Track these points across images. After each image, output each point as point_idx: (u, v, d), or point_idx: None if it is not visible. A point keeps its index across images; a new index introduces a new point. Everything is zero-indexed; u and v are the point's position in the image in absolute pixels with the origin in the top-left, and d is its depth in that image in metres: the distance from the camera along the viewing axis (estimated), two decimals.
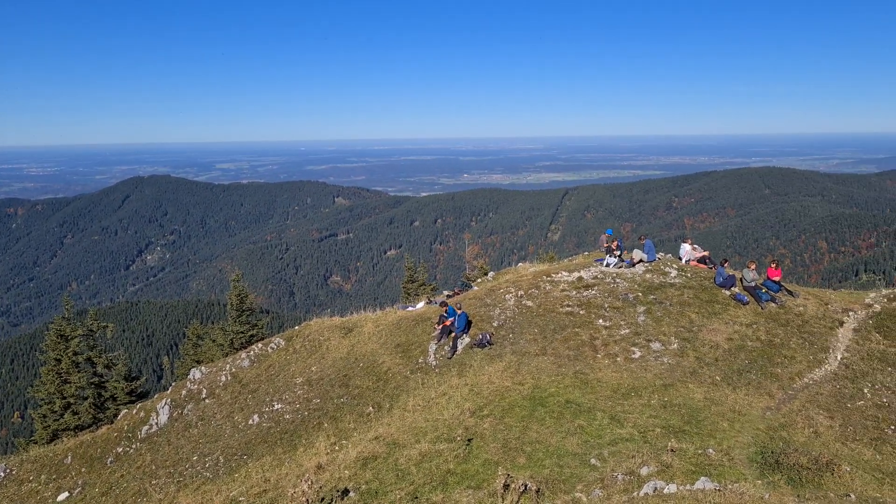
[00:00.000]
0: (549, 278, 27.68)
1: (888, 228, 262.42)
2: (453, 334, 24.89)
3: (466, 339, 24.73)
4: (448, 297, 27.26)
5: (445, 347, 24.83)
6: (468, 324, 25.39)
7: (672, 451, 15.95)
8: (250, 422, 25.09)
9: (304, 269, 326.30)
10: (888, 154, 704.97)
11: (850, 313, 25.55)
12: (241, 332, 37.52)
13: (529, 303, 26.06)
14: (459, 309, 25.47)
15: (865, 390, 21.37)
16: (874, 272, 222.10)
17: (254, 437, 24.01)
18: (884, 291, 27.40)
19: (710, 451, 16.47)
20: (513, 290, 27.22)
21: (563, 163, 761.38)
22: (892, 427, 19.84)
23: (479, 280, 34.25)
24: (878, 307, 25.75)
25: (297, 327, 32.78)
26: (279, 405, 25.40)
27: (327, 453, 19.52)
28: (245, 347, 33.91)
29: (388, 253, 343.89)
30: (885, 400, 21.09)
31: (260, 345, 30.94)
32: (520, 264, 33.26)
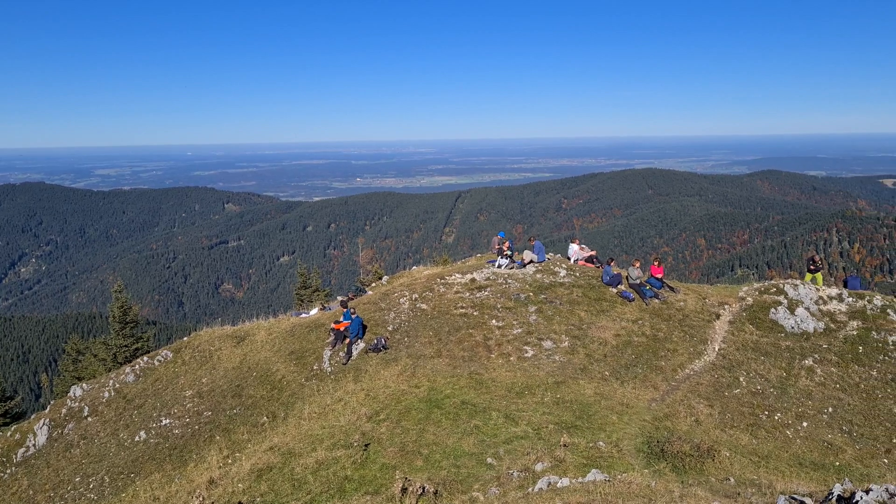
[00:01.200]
0: (442, 281, 27.90)
1: (759, 225, 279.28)
2: (348, 340, 24.69)
3: (361, 344, 24.57)
4: (342, 302, 26.99)
5: (340, 353, 24.60)
6: (363, 328, 25.24)
7: (565, 446, 16.37)
8: (137, 438, 24.05)
9: (194, 277, 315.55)
10: (758, 156, 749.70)
11: (726, 307, 26.99)
12: (125, 346, 35.98)
13: (424, 306, 26.17)
14: (354, 313, 25.30)
15: (741, 379, 22.63)
16: (748, 267, 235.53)
17: (141, 455, 23.03)
18: (755, 285, 29.10)
19: (601, 443, 17.01)
20: (407, 294, 27.27)
21: (456, 166, 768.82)
22: (766, 413, 21.10)
23: (373, 284, 34.12)
24: (750, 300, 27.32)
25: (186, 338, 31.67)
26: (167, 420, 24.47)
27: (220, 467, 18.95)
28: (130, 361, 32.50)
29: (281, 259, 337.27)
30: (758, 387, 22.39)
31: (146, 358, 29.71)
32: (414, 268, 33.37)
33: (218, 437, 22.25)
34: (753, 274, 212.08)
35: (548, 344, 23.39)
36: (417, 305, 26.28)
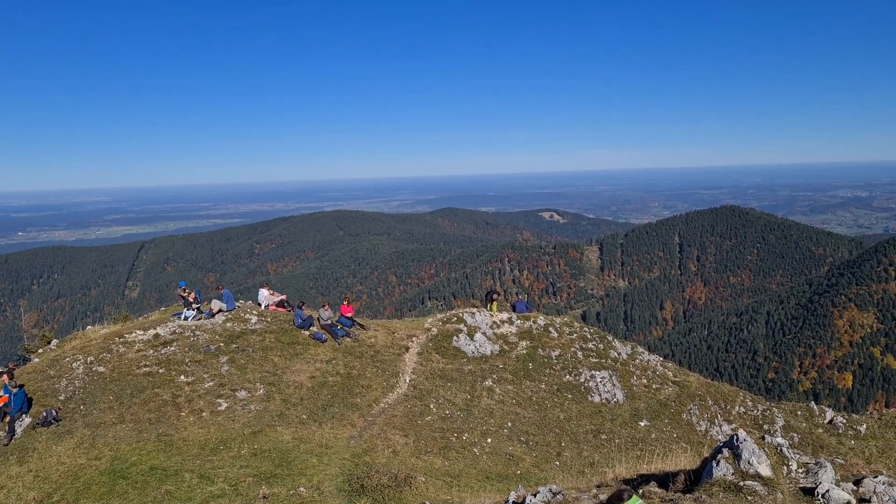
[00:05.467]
0: (122, 339, 25.76)
1: (443, 259, 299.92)
2: (9, 417, 21.64)
3: (27, 420, 21.69)
4: (0, 374, 23.62)
5: (1, 433, 21.47)
6: (28, 402, 22.30)
7: (265, 497, 15.96)
8: None
9: None
10: (438, 195, 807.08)
11: (414, 339, 28.46)
12: None
13: (102, 368, 23.91)
14: (15, 388, 22.27)
15: (432, 406, 23.92)
16: (436, 299, 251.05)
17: None
18: (438, 315, 31.12)
19: (302, 489, 16.84)
20: (81, 357, 24.71)
21: (136, 215, 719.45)
22: (456, 435, 22.50)
23: (40, 351, 30.39)
24: (435, 330, 29.12)
25: None
26: None
27: None
28: None
29: None
30: (447, 412, 23.84)
31: None
32: (89, 328, 30.32)
33: None
34: (442, 305, 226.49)
35: (242, 394, 22.68)
36: (94, 369, 23.93)
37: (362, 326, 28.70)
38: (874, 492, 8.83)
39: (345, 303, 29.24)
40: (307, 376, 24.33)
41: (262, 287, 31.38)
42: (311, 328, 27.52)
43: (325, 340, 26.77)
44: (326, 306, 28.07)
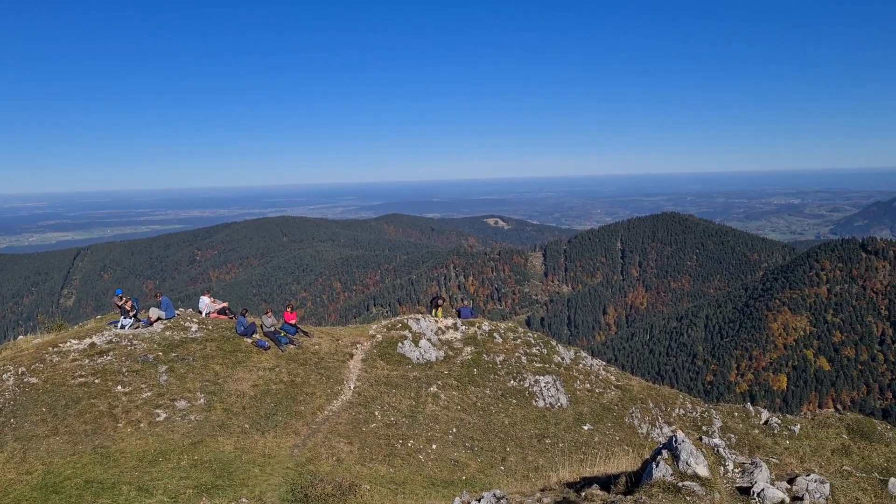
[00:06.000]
0: (56, 349, 24.93)
1: (388, 266, 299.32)
2: None
3: None
4: None
5: None
6: None
7: None
8: None
9: None
10: (383, 201, 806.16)
11: (359, 345, 28.27)
12: None
13: (34, 379, 23.10)
14: None
15: (377, 413, 23.78)
16: (381, 305, 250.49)
17: None
18: (383, 322, 30.99)
19: (244, 500, 16.55)
20: (12, 368, 23.83)
21: (72, 221, 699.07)
22: (401, 441, 22.41)
23: None
24: (380, 337, 28.99)
25: None
26: None
27: None
28: None
29: None
30: (393, 419, 23.73)
31: None
32: (21, 337, 29.24)
33: None
34: (387, 311, 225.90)
35: (182, 404, 22.17)
36: (25, 380, 23.11)
37: (306, 333, 28.39)
38: (807, 490, 9.09)
39: (288, 309, 28.89)
40: (249, 385, 23.92)
41: (204, 294, 30.79)
42: (253, 336, 27.11)
43: (269, 348, 26.39)
44: (269, 313, 27.69)
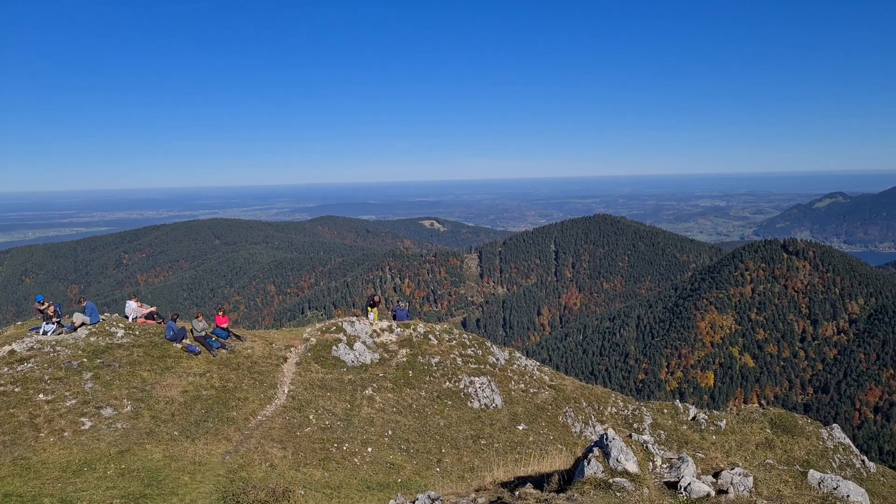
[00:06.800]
0: None
1: (323, 268, 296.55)
2: None
3: None
4: None
5: None
6: None
7: None
8: None
9: None
10: (318, 203, 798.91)
11: (293, 349, 27.92)
12: None
13: None
14: None
15: (311, 417, 23.51)
16: (317, 308, 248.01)
17: None
18: (318, 325, 30.68)
19: None
20: None
21: None
22: (336, 445, 22.21)
23: None
24: (314, 340, 28.69)
25: None
26: None
27: None
28: None
29: None
30: (327, 422, 23.51)
31: None
32: None
33: None
34: (322, 314, 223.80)
35: (108, 412, 21.49)
36: None
37: (238, 337, 27.89)
38: (731, 483, 9.38)
39: (220, 313, 28.32)
40: (179, 391, 23.35)
41: (130, 299, 29.90)
42: (183, 340, 26.46)
43: (199, 353, 25.81)
44: (200, 317, 27.08)
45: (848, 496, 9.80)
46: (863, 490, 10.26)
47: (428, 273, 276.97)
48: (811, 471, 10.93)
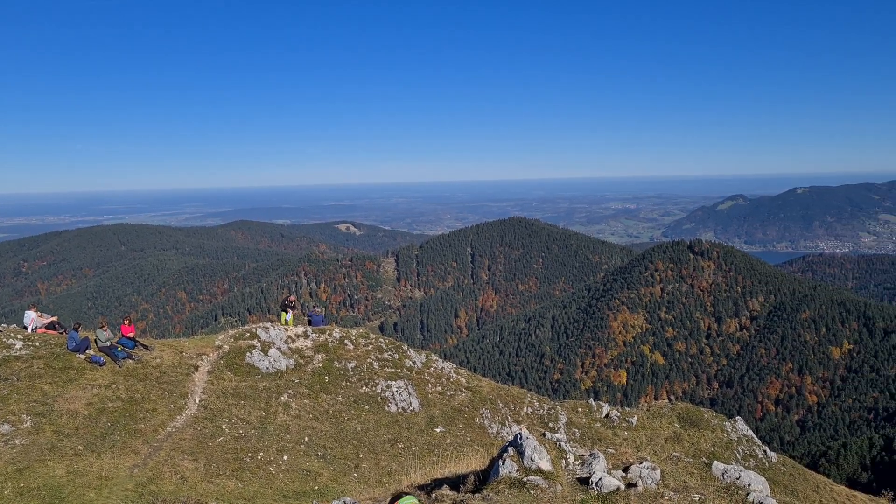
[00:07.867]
0: None
1: (237, 274, 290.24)
2: None
3: None
4: None
5: None
6: None
7: None
8: None
9: None
10: (231, 207, 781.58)
11: (204, 357, 27.19)
12: None
13: None
14: None
15: (224, 426, 22.95)
16: (230, 315, 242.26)
17: None
18: (231, 332, 29.99)
19: None
20: None
21: None
22: (250, 454, 21.76)
23: None
24: (227, 347, 28.04)
25: None
26: None
27: None
28: None
29: None
30: (241, 431, 23.00)
31: None
32: None
33: None
34: (237, 321, 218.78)
35: (5, 428, 20.41)
36: None
37: (146, 347, 26.95)
38: (640, 476, 9.68)
39: (126, 322, 27.29)
40: (83, 403, 22.38)
41: (29, 308, 28.47)
42: (87, 351, 25.38)
43: (105, 364, 24.80)
44: (105, 327, 26.03)
45: (749, 485, 10.26)
46: (763, 479, 10.76)
47: (344, 277, 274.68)
48: (715, 462, 11.39)
